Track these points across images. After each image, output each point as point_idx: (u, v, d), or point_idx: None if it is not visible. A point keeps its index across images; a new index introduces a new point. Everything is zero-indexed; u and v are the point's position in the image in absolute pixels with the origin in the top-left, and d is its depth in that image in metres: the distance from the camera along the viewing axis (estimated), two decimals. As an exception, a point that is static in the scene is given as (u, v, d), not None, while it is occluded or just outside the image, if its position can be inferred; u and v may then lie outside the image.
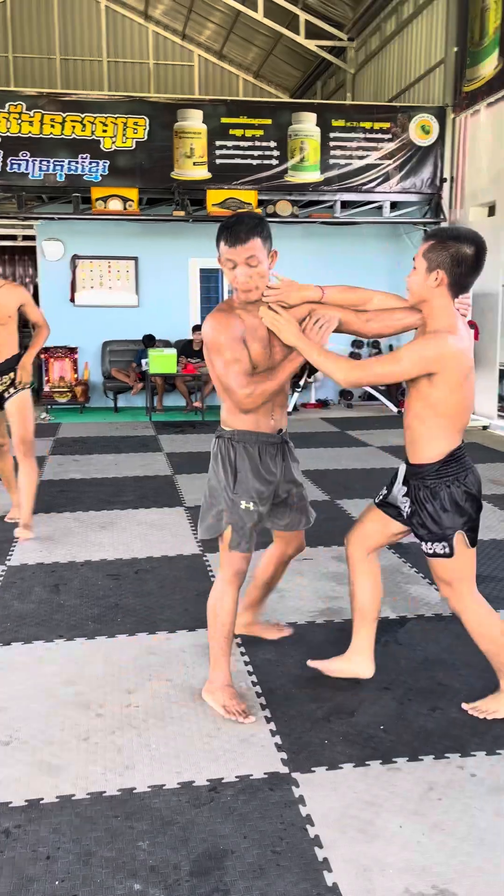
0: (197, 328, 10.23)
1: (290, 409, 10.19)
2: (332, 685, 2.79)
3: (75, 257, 10.33)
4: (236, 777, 2.25)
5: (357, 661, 2.80)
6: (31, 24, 15.43)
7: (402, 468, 2.66)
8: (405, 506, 2.62)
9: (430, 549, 2.56)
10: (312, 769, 2.28)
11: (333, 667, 2.83)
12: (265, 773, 2.26)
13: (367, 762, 2.31)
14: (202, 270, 10.91)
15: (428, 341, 2.40)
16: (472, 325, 8.62)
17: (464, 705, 2.63)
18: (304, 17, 12.35)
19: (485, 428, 8.67)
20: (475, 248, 2.38)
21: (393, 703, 2.67)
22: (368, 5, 11.59)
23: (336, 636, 3.22)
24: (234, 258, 2.44)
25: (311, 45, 12.70)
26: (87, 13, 15.61)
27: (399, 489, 2.66)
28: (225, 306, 2.58)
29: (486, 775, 2.25)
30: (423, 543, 2.59)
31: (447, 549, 2.52)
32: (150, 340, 10.17)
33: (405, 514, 2.64)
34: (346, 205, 9.95)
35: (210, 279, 11.08)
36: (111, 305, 10.61)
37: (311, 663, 2.87)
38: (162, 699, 2.71)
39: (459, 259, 2.37)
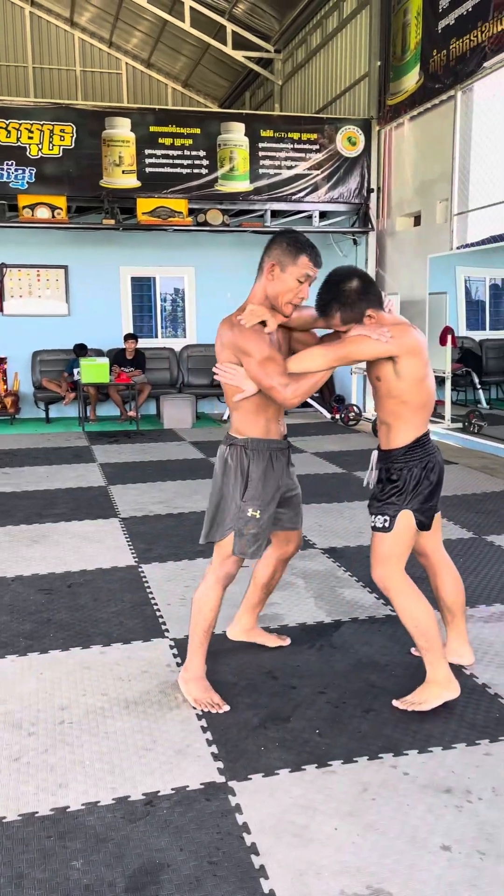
0: (129, 337, 10.15)
1: (226, 416, 10.23)
2: (268, 692, 2.80)
3: (3, 266, 10.12)
4: (172, 789, 2.23)
5: (454, 653, 2.97)
6: (-48, 28, 15.08)
7: (374, 456, 2.78)
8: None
9: (372, 522, 2.70)
10: (249, 777, 2.28)
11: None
12: (201, 784, 2.25)
13: (302, 767, 2.33)
14: (133, 279, 10.85)
15: (395, 328, 2.55)
16: (450, 330, 8.79)
17: (394, 702, 2.68)
18: (231, 27, 12.45)
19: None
20: (357, 276, 2.60)
21: (328, 706, 2.70)
22: (294, 18, 11.78)
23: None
24: (313, 275, 2.57)
25: (239, 55, 12.81)
26: (11, 19, 15.36)
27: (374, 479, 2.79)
28: (255, 328, 2.59)
29: (418, 773, 2.29)
30: (370, 518, 2.72)
31: (387, 524, 2.64)
32: (81, 349, 10.04)
33: None
34: (276, 214, 10.05)
35: (142, 287, 11.03)
36: (41, 315, 10.44)
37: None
38: (96, 714, 2.66)
39: (363, 291, 2.57)
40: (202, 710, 2.65)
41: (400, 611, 2.69)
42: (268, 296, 2.60)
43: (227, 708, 2.67)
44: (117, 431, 9.34)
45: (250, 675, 2.93)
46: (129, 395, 9.96)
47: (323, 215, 10.20)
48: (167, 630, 3.36)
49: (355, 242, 10.25)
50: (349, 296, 2.54)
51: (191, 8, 12.28)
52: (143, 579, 4.02)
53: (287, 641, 3.20)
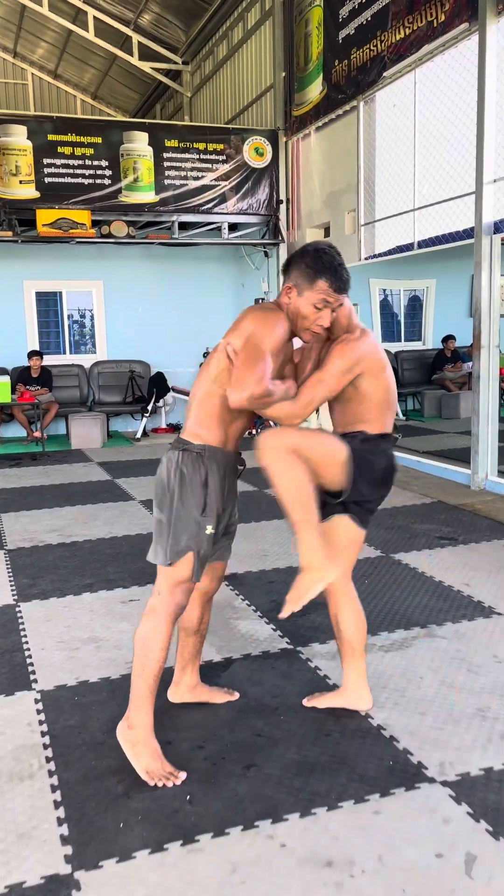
0: (34, 353, 9.68)
1: (139, 434, 9.85)
2: (140, 750, 2.47)
3: None
4: (5, 888, 1.88)
5: (352, 697, 2.68)
6: None
7: None
8: None
9: None
10: (100, 864, 1.95)
11: (329, 703, 2.72)
12: (42, 878, 1.91)
13: (165, 845, 2.01)
14: (38, 294, 10.40)
15: (345, 349, 2.38)
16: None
17: (284, 608, 2.33)
18: (136, 38, 12.19)
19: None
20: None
21: (205, 764, 2.39)
22: (200, 29, 11.60)
23: (153, 688, 2.90)
24: (332, 302, 2.32)
25: (146, 67, 12.56)
26: None
27: None
28: (280, 312, 2.35)
29: (297, 843, 2.01)
30: None
31: None
32: (-17, 368, 9.51)
33: None
34: (184, 226, 9.80)
35: (48, 302, 10.57)
36: None
37: (306, 702, 2.74)
38: None
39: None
40: (156, 783, 2.26)
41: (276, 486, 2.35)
42: (289, 316, 2.35)
43: (183, 776, 2.29)
44: (22, 453, 8.85)
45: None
46: (36, 414, 9.48)
47: (233, 227, 10.00)
48: (35, 681, 2.99)
49: (266, 255, 10.07)
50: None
51: (95, 18, 11.98)
52: (19, 620, 3.64)
53: (235, 696, 2.80)
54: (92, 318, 10.72)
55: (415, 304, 12.26)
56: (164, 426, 10.51)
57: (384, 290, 11.76)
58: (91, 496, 6.36)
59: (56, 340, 10.69)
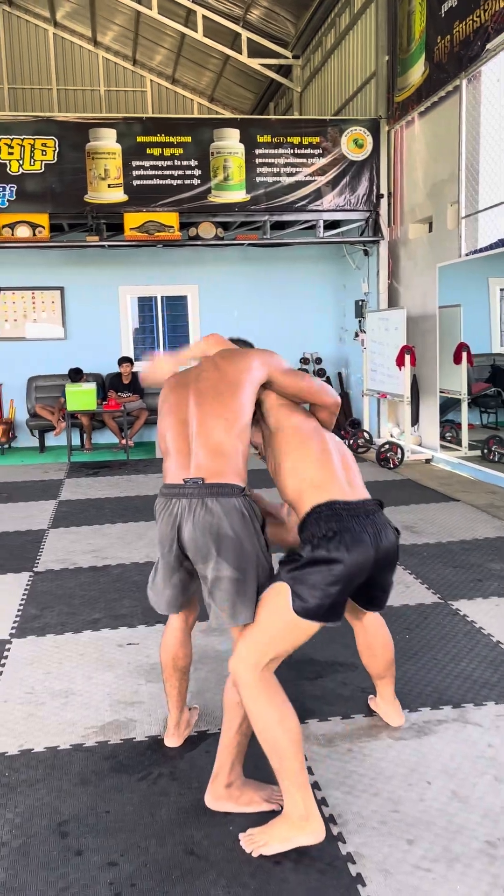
0: (124, 360, 9.57)
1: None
2: (39, 861, 2.01)
3: (-4, 289, 9.73)
4: None
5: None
6: (-28, 53, 15.04)
7: None
8: None
9: None
10: None
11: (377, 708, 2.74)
12: None
13: None
14: (139, 299, 10.30)
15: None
16: (409, 349, 7.94)
17: (240, 836, 2.05)
18: (245, 34, 11.86)
19: (427, 461, 7.93)
20: None
21: (105, 891, 1.90)
22: (308, 19, 11.09)
23: (100, 767, 2.45)
24: None
25: (255, 63, 12.20)
26: (35, 40, 15.24)
27: None
28: None
29: None
30: None
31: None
32: (76, 374, 9.49)
33: None
34: (279, 225, 9.32)
35: (144, 308, 10.46)
36: (36, 339, 9.99)
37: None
38: None
39: None
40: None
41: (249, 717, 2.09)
42: None
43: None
44: (110, 461, 8.73)
45: (35, 828, 2.16)
46: (128, 421, 9.35)
47: (332, 225, 9.40)
48: (-23, 743, 2.63)
49: (366, 253, 9.40)
50: None
51: (204, 17, 11.77)
52: (2, 661, 3.31)
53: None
54: (187, 322, 10.51)
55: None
56: (257, 435, 10.09)
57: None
58: (147, 512, 6.02)
59: (152, 346, 10.57)
